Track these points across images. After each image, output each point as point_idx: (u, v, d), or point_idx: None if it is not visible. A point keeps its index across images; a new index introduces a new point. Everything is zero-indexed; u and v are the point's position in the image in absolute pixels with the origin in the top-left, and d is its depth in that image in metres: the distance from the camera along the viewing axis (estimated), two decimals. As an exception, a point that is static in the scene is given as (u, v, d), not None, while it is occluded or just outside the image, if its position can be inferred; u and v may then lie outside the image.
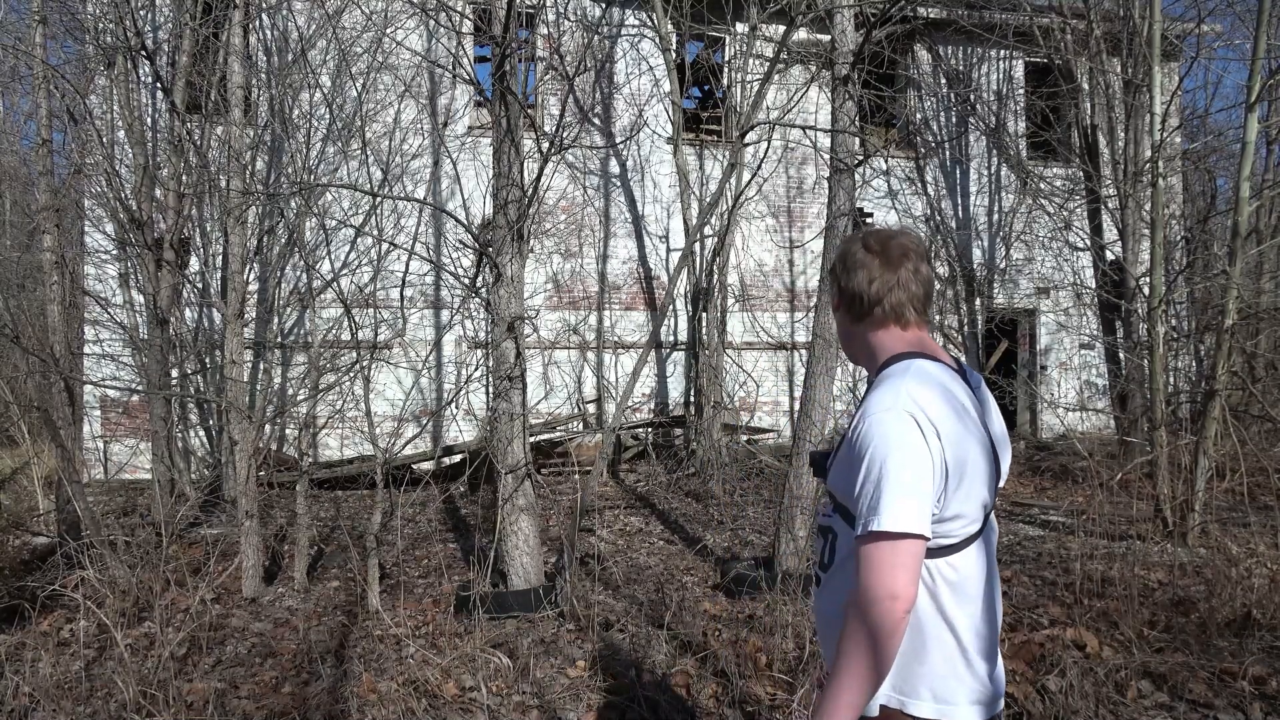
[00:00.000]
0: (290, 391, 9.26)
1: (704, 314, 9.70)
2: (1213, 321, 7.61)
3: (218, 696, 3.71)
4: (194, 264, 8.96)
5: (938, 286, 11.44)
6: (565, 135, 7.36)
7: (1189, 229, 11.20)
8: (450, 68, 8.71)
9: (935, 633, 1.42)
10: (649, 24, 10.37)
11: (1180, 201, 11.57)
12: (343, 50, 8.45)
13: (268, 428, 7.50)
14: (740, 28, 10.56)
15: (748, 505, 7.45)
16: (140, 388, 8.47)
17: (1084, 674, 3.50)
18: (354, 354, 8.44)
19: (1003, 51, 11.47)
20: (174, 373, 8.58)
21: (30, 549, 6.05)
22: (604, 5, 10.58)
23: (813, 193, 11.41)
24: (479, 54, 11.36)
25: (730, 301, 10.67)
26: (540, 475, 8.51)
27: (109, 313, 8.93)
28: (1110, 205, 10.23)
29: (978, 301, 11.88)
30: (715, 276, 9.66)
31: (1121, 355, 10.51)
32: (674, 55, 10.06)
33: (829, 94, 6.27)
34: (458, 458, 9.07)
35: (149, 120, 8.84)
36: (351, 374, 8.63)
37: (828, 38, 8.37)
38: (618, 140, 10.68)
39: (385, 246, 8.35)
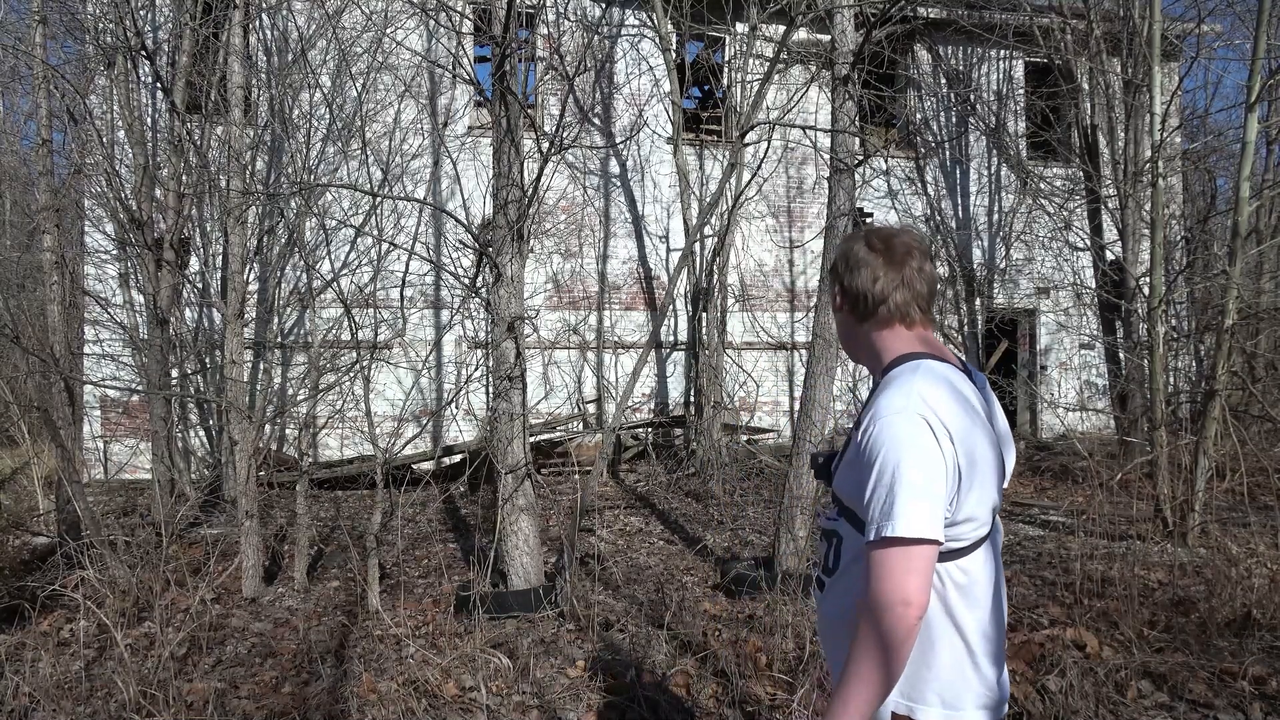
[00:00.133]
0: (290, 391, 9.26)
1: (704, 314, 9.70)
2: (1213, 321, 7.61)
3: (218, 696, 3.71)
4: (194, 264, 8.96)
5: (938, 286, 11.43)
6: (565, 135, 7.36)
7: (1189, 229, 11.20)
8: (450, 68, 8.72)
9: (944, 637, 1.40)
10: (649, 24, 10.37)
11: (1180, 201, 11.56)
12: (343, 50, 8.45)
13: (268, 428, 7.50)
14: (740, 28, 10.56)
15: (748, 505, 7.45)
16: (140, 388, 8.47)
17: (1084, 674, 3.50)
18: (354, 354, 8.44)
19: (1003, 51, 11.47)
20: (174, 373, 8.57)
21: (30, 549, 6.05)
22: (604, 5, 10.58)
23: (813, 193, 11.42)
24: (479, 54, 11.36)
25: (730, 301, 10.67)
26: (540, 475, 8.51)
27: (109, 313, 8.93)
28: (1110, 205, 10.23)
29: (978, 301, 11.88)
30: (715, 276, 9.66)
31: (1121, 355, 10.51)
32: (674, 55, 10.06)
33: (829, 94, 6.27)
34: (458, 458, 9.07)
35: (149, 120, 8.84)
36: (351, 374, 8.63)
37: (828, 38, 8.37)
38: (618, 140, 10.68)
39: (385, 246, 8.35)
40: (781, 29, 9.81)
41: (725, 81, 11.16)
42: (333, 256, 9.06)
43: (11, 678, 3.64)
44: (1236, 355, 7.26)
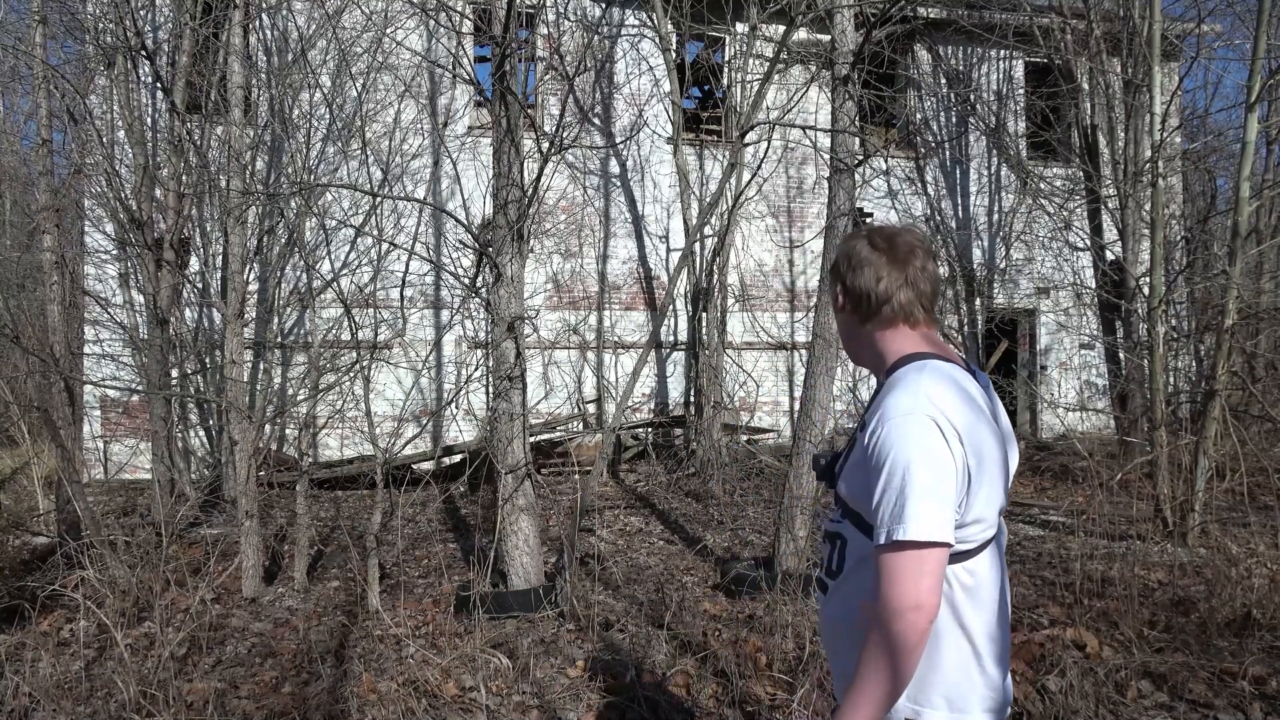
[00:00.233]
0: (290, 391, 9.26)
1: (704, 314, 9.70)
2: (1213, 321, 7.61)
3: (218, 696, 3.71)
4: (194, 264, 8.95)
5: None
6: (565, 135, 7.36)
7: (1189, 229, 11.20)
8: (450, 68, 8.71)
9: (950, 639, 1.39)
10: (649, 24, 10.37)
11: (1180, 201, 11.56)
12: (343, 50, 8.45)
13: (268, 428, 7.49)
14: (740, 28, 10.56)
15: (748, 505, 7.45)
16: (140, 388, 8.47)
17: (1084, 674, 3.50)
18: (354, 354, 8.44)
19: (1003, 51, 11.47)
20: (174, 373, 8.57)
21: (30, 549, 6.04)
22: (604, 5, 10.58)
23: (813, 193, 11.42)
24: (479, 54, 11.35)
25: (730, 301, 10.67)
26: (540, 475, 8.50)
27: (109, 313, 8.93)
28: (1110, 205, 10.23)
29: (978, 301, 11.89)
30: (715, 276, 9.66)
31: (1121, 355, 10.51)
32: (674, 55, 10.06)
33: (829, 94, 6.27)
34: (458, 458, 9.07)
35: (149, 120, 8.84)
36: (351, 374, 8.63)
37: (828, 38, 8.36)
38: (618, 140, 10.68)
39: (385, 246, 8.35)
40: (781, 29, 9.80)
41: (725, 81, 11.16)
42: (333, 256, 9.06)
43: (11, 678, 3.64)
44: (1236, 355, 7.26)
